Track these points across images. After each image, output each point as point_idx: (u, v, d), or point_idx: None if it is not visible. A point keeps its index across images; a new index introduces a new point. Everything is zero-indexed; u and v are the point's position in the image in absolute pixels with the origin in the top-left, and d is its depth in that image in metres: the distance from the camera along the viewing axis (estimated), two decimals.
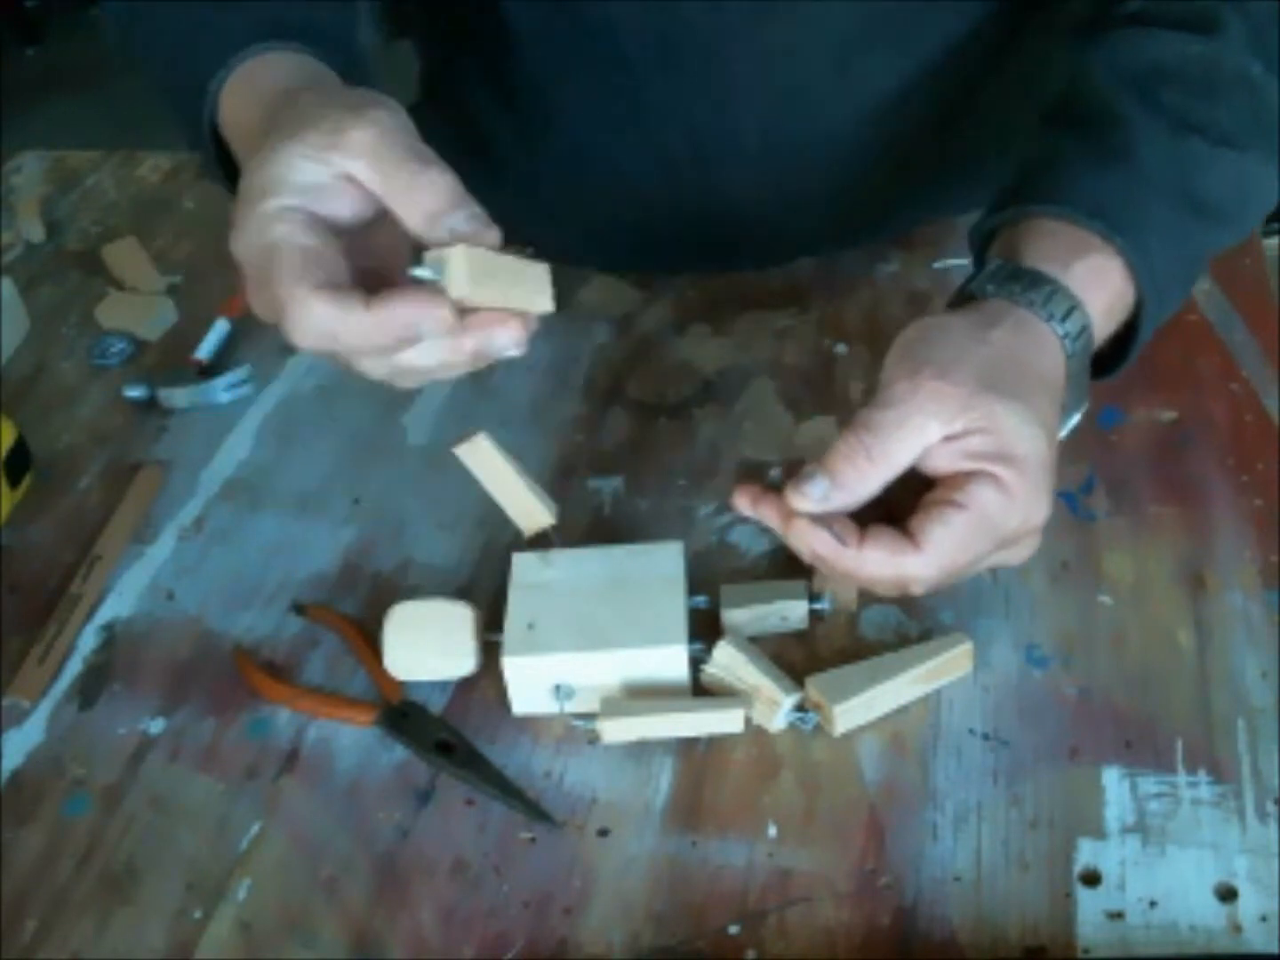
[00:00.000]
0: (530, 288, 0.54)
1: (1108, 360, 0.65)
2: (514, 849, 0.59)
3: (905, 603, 0.67)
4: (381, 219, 0.55)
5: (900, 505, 0.57)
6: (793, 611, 0.66)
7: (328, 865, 0.59)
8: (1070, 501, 0.72)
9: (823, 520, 0.55)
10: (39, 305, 0.95)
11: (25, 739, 0.66)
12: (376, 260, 0.57)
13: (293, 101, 0.56)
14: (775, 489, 0.57)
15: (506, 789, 0.61)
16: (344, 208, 0.54)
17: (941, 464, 0.56)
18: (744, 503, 0.58)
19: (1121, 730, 0.61)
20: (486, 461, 0.66)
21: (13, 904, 0.59)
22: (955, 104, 0.81)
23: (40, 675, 0.68)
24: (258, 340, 0.90)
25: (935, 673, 0.63)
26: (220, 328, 0.89)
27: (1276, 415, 0.76)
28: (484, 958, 0.55)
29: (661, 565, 0.66)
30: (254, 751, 0.64)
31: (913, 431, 0.55)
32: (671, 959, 0.55)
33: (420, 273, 0.52)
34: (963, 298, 0.62)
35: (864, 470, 0.55)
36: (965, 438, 0.55)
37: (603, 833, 0.59)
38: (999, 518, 0.55)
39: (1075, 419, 0.63)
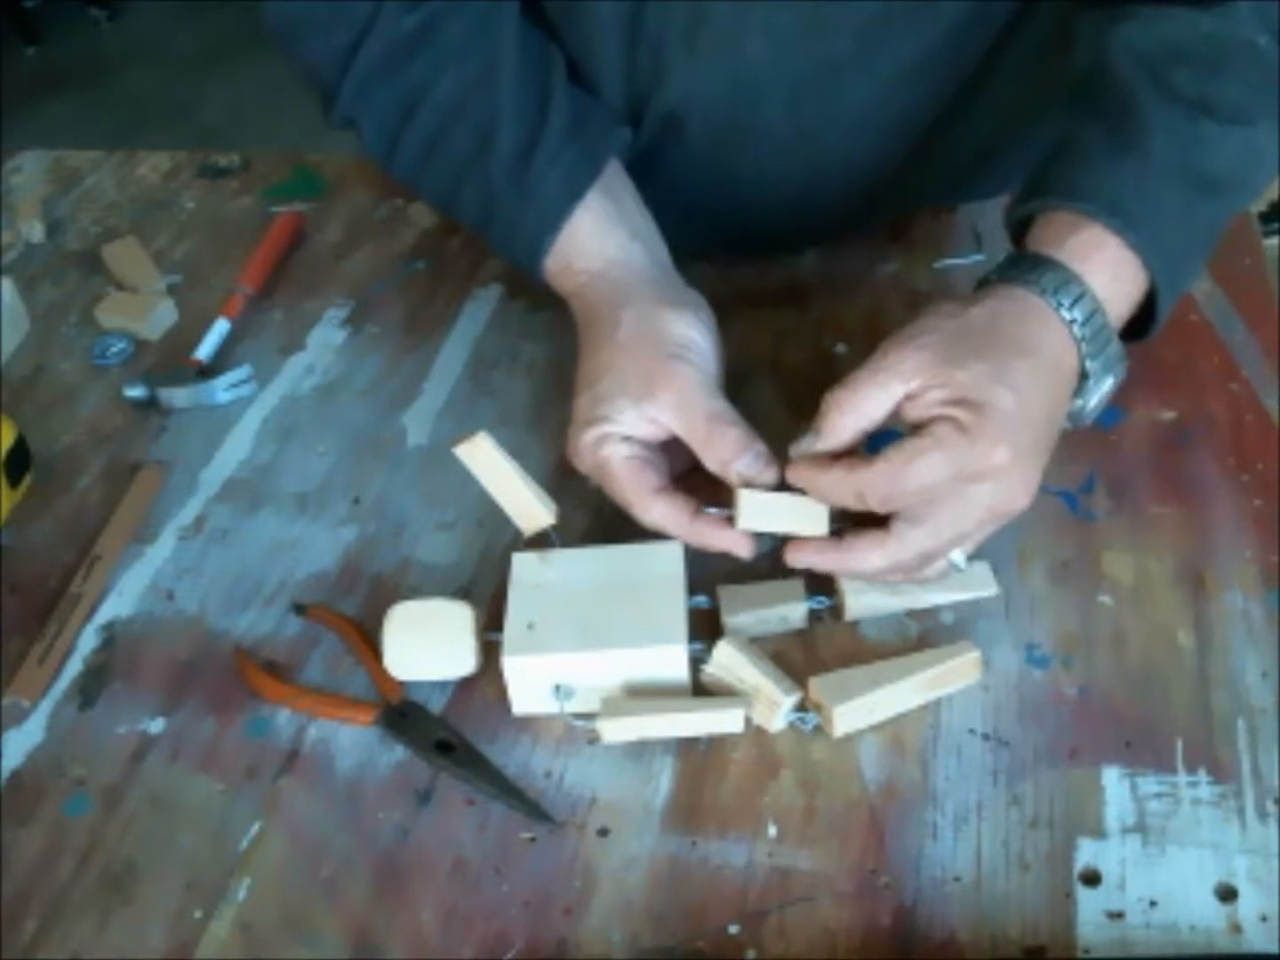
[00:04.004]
0: (805, 520, 0.65)
1: (1139, 324, 0.69)
2: (514, 849, 0.59)
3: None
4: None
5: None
6: (793, 613, 0.66)
7: (328, 865, 0.59)
8: (1070, 501, 0.72)
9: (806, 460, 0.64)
10: (39, 305, 0.95)
11: (25, 739, 0.66)
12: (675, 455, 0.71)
13: (614, 335, 0.70)
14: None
15: (506, 789, 0.61)
16: (650, 434, 0.69)
17: (912, 416, 0.62)
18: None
19: (1121, 730, 0.61)
20: (486, 461, 0.66)
21: (13, 904, 0.59)
22: (971, 79, 0.81)
23: (40, 675, 0.68)
24: (257, 340, 0.90)
25: (940, 680, 0.63)
26: (220, 328, 0.89)
27: (1276, 415, 0.76)
28: (484, 958, 0.55)
29: (661, 565, 0.66)
30: (254, 751, 0.64)
31: (877, 387, 0.63)
32: (671, 959, 0.55)
33: (711, 510, 0.68)
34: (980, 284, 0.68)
35: (835, 419, 0.63)
36: (925, 393, 0.62)
37: (603, 833, 0.59)
38: (954, 450, 0.60)
39: (1110, 382, 0.67)
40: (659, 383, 0.68)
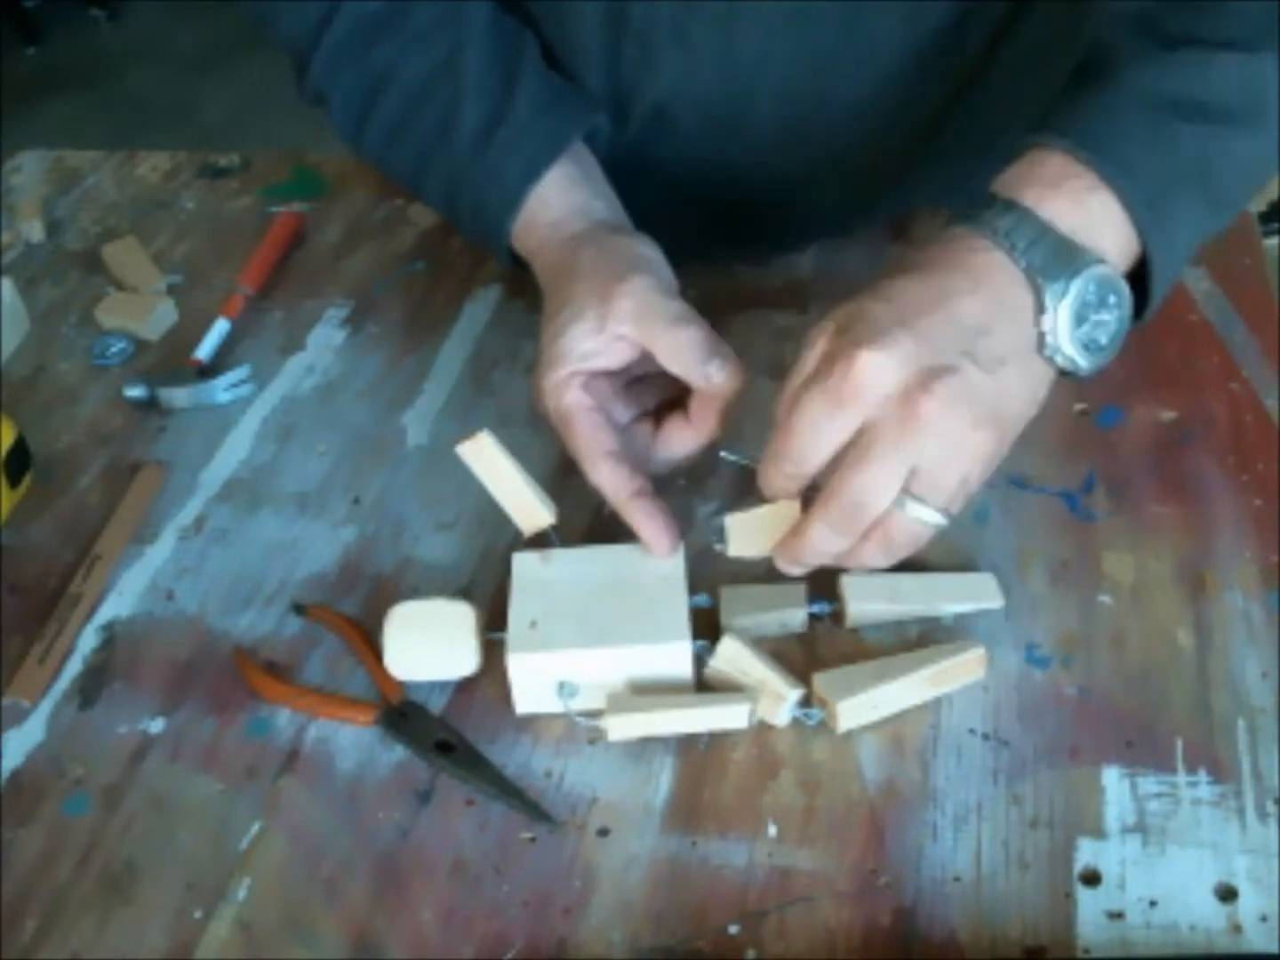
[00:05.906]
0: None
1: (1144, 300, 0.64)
2: (514, 849, 0.59)
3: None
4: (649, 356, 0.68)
5: None
6: (793, 618, 0.66)
7: (328, 865, 0.59)
8: (1070, 501, 0.72)
9: None
10: (39, 305, 0.95)
11: (25, 739, 0.66)
12: (652, 386, 0.71)
13: (574, 268, 0.70)
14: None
15: (506, 789, 0.61)
16: (615, 359, 0.68)
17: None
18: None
19: (1121, 730, 0.61)
20: (488, 460, 0.66)
21: (13, 904, 0.59)
22: (966, 74, 0.81)
23: (40, 675, 0.68)
24: (257, 340, 0.90)
25: (944, 676, 0.63)
26: (220, 328, 0.89)
27: (1276, 415, 0.76)
28: (484, 958, 0.55)
29: (662, 564, 0.66)
30: (254, 751, 0.64)
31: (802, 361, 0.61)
32: (671, 959, 0.55)
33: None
34: None
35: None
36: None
37: (603, 833, 0.59)
38: (823, 377, 0.58)
39: (1092, 317, 0.60)
40: (616, 294, 0.67)
